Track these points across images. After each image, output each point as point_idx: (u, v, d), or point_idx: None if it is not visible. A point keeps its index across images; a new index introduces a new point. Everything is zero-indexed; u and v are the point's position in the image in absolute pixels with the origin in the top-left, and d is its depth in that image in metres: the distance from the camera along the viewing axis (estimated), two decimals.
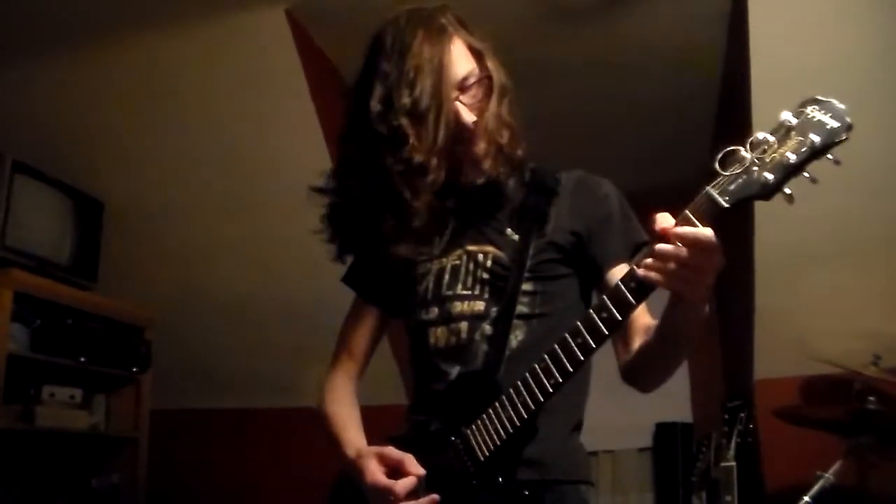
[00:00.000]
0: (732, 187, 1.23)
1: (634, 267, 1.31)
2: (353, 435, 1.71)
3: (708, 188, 1.25)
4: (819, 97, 1.21)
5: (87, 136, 3.94)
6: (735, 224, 4.35)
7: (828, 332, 3.60)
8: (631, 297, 1.32)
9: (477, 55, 1.65)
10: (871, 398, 3.07)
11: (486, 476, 1.51)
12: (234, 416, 4.65)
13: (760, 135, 1.22)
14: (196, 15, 3.48)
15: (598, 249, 1.63)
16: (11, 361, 3.20)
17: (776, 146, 1.20)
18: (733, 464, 3.03)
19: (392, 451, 1.56)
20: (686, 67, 4.07)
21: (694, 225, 1.23)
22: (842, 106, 1.18)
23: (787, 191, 1.20)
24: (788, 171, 1.19)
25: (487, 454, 1.50)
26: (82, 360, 3.53)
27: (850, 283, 3.50)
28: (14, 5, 3.36)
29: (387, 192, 1.56)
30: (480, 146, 1.62)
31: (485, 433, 1.50)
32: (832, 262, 3.44)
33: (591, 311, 1.37)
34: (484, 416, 1.50)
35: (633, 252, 1.58)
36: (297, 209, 4.23)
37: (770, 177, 1.19)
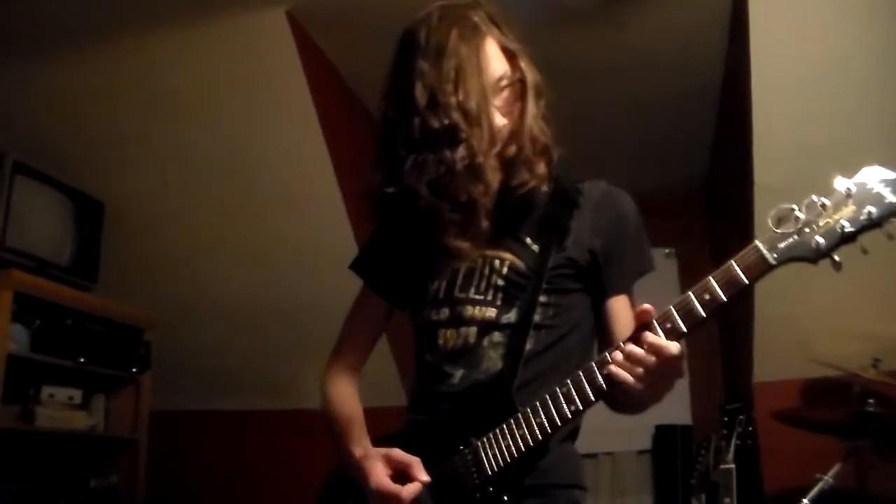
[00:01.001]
0: (782, 245, 1.26)
1: (606, 356, 1.38)
2: (358, 433, 1.69)
3: (757, 242, 1.28)
4: (881, 168, 1.22)
5: (88, 137, 3.94)
6: (735, 228, 4.37)
7: (827, 334, 3.60)
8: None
9: (510, 55, 1.62)
10: (871, 401, 3.07)
11: (491, 491, 1.50)
12: (234, 417, 4.64)
13: (816, 198, 1.24)
14: (197, 16, 3.48)
15: (606, 274, 1.63)
16: (11, 362, 3.19)
17: (831, 212, 1.23)
18: (732, 466, 3.03)
19: (399, 453, 1.54)
20: (687, 70, 4.07)
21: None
22: None
23: (837, 258, 1.24)
24: (841, 240, 1.23)
25: (496, 469, 1.49)
26: (82, 360, 3.53)
27: (849, 287, 3.48)
28: (15, 5, 3.36)
29: (453, 188, 1.52)
30: (512, 149, 1.58)
31: (496, 448, 1.49)
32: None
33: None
34: (497, 430, 1.49)
35: (637, 279, 1.66)
36: (297, 209, 4.25)
37: (822, 241, 1.23)
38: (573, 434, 1.65)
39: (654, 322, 1.33)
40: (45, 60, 3.69)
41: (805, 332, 3.65)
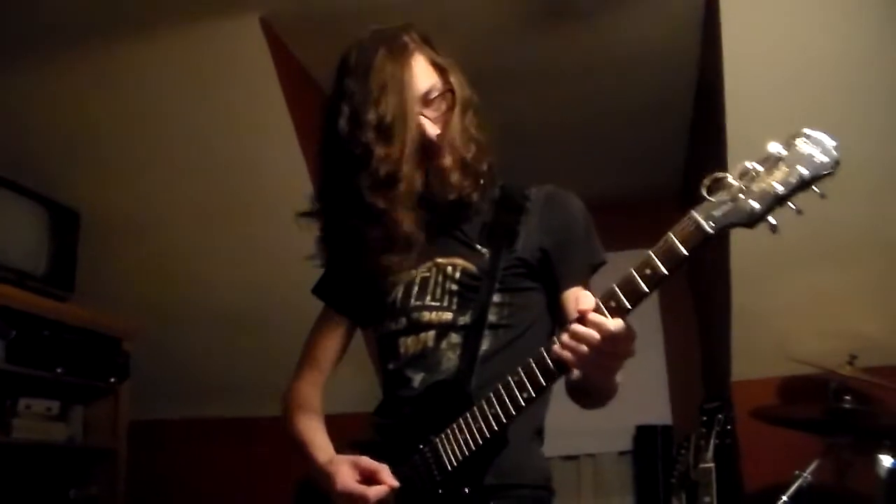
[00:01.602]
0: (718, 213, 1.26)
1: (555, 339, 1.38)
2: (322, 441, 1.72)
3: (693, 212, 1.27)
4: (809, 131, 1.22)
5: (62, 146, 3.91)
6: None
7: (804, 332, 3.63)
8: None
9: (440, 70, 1.67)
10: (848, 397, 3.11)
11: (452, 486, 1.52)
12: (214, 426, 4.62)
13: (748, 163, 1.25)
14: (171, 23, 3.46)
15: (558, 269, 1.67)
16: None
17: (764, 175, 1.23)
18: (712, 465, 3.05)
19: (367, 460, 1.56)
20: (661, 73, 4.10)
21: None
22: (832, 141, 1.20)
23: (772, 220, 1.23)
24: (774, 201, 1.22)
25: (455, 464, 1.51)
26: (59, 371, 3.50)
27: (825, 285, 3.53)
28: None
29: (365, 206, 1.58)
30: (447, 160, 1.65)
31: (454, 443, 1.51)
32: (808, 264, 3.47)
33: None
34: (454, 425, 1.51)
35: (590, 273, 1.68)
36: (275, 217, 4.22)
37: (756, 205, 1.22)
38: (539, 434, 1.68)
39: (599, 301, 1.34)
40: (17, 69, 3.66)
41: (782, 330, 3.68)
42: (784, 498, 2.95)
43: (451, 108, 1.65)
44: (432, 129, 1.62)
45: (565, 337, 1.35)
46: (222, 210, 3.98)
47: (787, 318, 3.65)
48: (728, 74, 3.24)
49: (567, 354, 1.35)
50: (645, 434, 5.29)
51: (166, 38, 3.53)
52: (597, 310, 1.33)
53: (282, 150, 3.72)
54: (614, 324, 1.31)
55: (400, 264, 1.65)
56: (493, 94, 1.74)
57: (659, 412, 5.33)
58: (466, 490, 1.51)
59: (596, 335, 1.31)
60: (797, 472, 3.02)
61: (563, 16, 3.61)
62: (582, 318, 1.33)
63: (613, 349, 1.34)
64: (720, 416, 3.15)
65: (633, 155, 5.05)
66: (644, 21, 3.66)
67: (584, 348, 1.33)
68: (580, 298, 1.36)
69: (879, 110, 3.17)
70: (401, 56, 1.62)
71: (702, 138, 4.41)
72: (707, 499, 2.97)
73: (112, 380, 3.78)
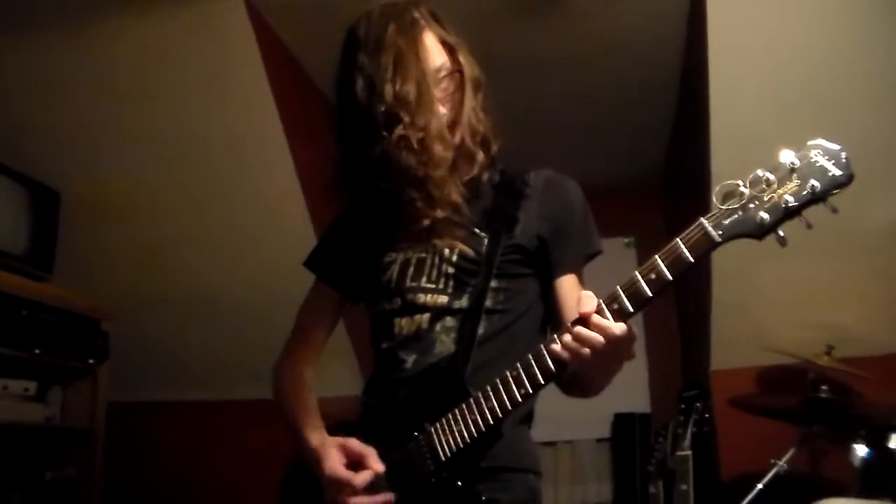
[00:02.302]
0: (727, 222, 1.25)
1: (556, 338, 1.38)
2: (314, 422, 1.70)
3: (702, 219, 1.27)
4: (823, 142, 1.20)
5: (43, 126, 3.88)
6: (693, 218, 4.39)
7: (782, 323, 3.66)
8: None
9: (449, 49, 1.66)
10: (824, 387, 3.14)
11: (445, 476, 1.51)
12: (193, 408, 4.61)
13: (761, 172, 1.22)
14: (154, 4, 3.43)
15: (553, 255, 1.67)
16: None
17: (776, 186, 1.21)
18: (689, 453, 3.06)
19: (355, 443, 1.56)
20: (646, 61, 4.11)
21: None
22: (846, 155, 1.18)
23: (781, 233, 1.22)
24: (785, 214, 1.20)
25: (450, 454, 1.50)
26: (37, 351, 3.48)
27: (804, 276, 3.55)
28: None
29: (401, 167, 1.57)
30: (454, 139, 1.63)
31: (449, 433, 1.50)
32: (787, 256, 3.47)
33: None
34: (450, 415, 1.51)
35: (585, 261, 1.68)
36: (257, 200, 4.22)
37: (766, 217, 1.21)
38: (528, 418, 1.68)
39: (601, 303, 1.33)
40: None
41: (761, 320, 3.71)
42: (759, 486, 2.98)
43: (458, 89, 1.65)
44: (440, 109, 1.62)
45: (567, 338, 1.35)
46: (204, 192, 3.96)
47: (765, 309, 3.67)
48: (713, 65, 3.25)
49: (567, 356, 1.36)
50: (623, 422, 5.32)
51: (151, 19, 3.49)
52: (599, 312, 1.33)
53: (266, 134, 3.70)
54: (618, 328, 1.31)
55: (449, 224, 1.63)
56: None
57: (638, 400, 5.37)
58: (459, 483, 1.51)
59: (600, 339, 1.31)
60: (773, 460, 3.04)
61: (547, 5, 3.61)
62: (584, 320, 1.33)
63: (616, 352, 1.34)
64: (698, 404, 3.16)
65: (616, 143, 5.07)
66: (629, 11, 3.66)
67: (587, 351, 1.33)
68: (582, 300, 1.35)
69: (862, 103, 3.19)
70: (411, 31, 1.61)
71: (685, 129, 4.43)
72: (684, 486, 2.99)
73: (91, 361, 3.76)
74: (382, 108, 1.55)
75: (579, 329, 1.33)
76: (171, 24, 3.51)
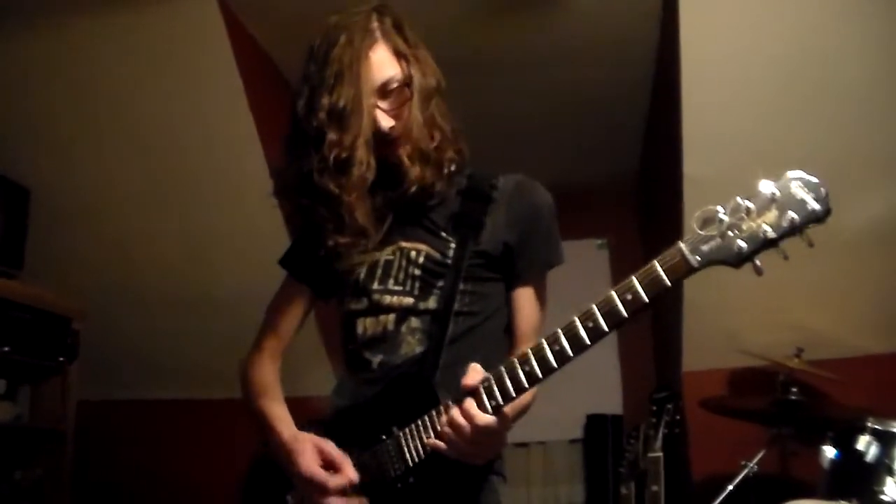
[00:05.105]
0: (705, 248, 1.26)
1: (440, 425, 1.46)
2: (284, 414, 1.72)
3: (680, 243, 1.28)
4: (803, 174, 1.20)
5: (13, 123, 3.83)
6: (665, 219, 4.44)
7: (754, 325, 3.69)
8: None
9: (403, 60, 1.65)
10: (794, 389, 3.16)
11: (411, 482, 1.53)
12: (163, 407, 4.58)
13: (740, 199, 1.23)
14: (128, 1, 3.40)
15: (517, 266, 1.69)
16: None
17: (755, 215, 1.22)
18: (660, 454, 3.08)
19: (332, 447, 1.58)
20: (619, 63, 4.12)
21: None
22: (825, 189, 1.19)
23: (758, 262, 1.24)
24: (762, 244, 1.22)
25: (417, 461, 1.52)
26: (6, 349, 3.44)
27: (774, 279, 3.57)
28: None
29: (314, 187, 1.59)
30: (405, 150, 1.64)
31: (418, 440, 1.52)
32: (758, 259, 3.52)
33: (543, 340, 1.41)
34: (419, 421, 1.52)
35: (546, 271, 1.72)
36: (229, 198, 4.19)
37: (744, 246, 1.23)
38: None
39: (480, 387, 1.41)
40: None
41: (733, 322, 3.73)
42: (730, 487, 3.00)
43: (408, 100, 1.64)
44: (386, 122, 1.62)
45: (445, 428, 1.44)
46: (175, 190, 3.93)
47: (737, 311, 3.69)
48: (685, 68, 3.27)
49: (439, 444, 1.45)
50: (595, 423, 5.34)
51: (121, 16, 3.46)
52: (476, 397, 1.40)
53: (238, 132, 3.68)
54: (491, 421, 1.39)
55: (352, 248, 1.65)
56: (448, 83, 1.74)
57: (610, 401, 5.39)
58: (426, 488, 1.53)
59: (469, 428, 1.40)
60: (744, 461, 3.07)
61: (519, 6, 3.62)
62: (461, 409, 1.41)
63: (486, 442, 1.44)
64: (669, 405, 3.19)
65: (588, 146, 5.09)
66: (602, 12, 3.67)
67: (460, 441, 1.42)
68: (467, 376, 1.43)
69: (835, 105, 3.21)
70: (361, 44, 1.60)
71: (658, 129, 4.45)
72: (655, 487, 3.01)
73: (61, 359, 3.72)
74: (315, 124, 1.57)
75: (456, 417, 1.42)
76: (143, 22, 3.47)
